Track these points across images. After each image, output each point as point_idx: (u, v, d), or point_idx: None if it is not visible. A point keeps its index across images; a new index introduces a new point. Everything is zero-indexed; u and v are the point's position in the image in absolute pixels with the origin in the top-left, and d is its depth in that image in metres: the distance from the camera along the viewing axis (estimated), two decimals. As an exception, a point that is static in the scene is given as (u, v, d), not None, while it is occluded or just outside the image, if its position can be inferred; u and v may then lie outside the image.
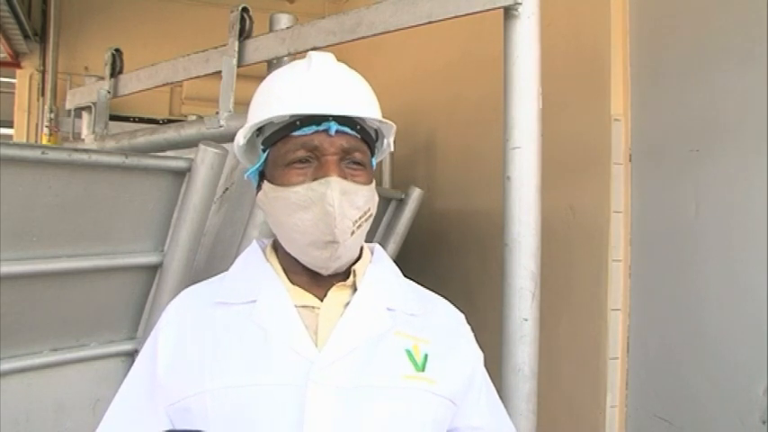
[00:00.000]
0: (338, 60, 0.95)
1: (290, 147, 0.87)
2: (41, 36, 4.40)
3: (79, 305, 1.56)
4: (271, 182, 0.89)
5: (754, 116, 1.65)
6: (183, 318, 0.92)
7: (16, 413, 1.53)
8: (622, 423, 2.04)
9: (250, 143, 0.94)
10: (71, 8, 4.46)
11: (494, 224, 1.60)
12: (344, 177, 0.85)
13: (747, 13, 1.69)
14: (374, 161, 0.95)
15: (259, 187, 0.93)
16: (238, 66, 1.87)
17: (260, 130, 0.91)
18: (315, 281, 0.90)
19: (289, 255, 0.91)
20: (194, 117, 3.39)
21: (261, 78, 1.92)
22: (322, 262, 0.87)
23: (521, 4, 1.38)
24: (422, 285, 1.03)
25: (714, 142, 1.78)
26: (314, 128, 0.85)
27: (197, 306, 0.92)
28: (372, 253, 0.99)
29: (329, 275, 0.90)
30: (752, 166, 1.65)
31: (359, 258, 0.94)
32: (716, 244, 1.76)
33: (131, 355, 1.71)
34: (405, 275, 1.02)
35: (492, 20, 1.51)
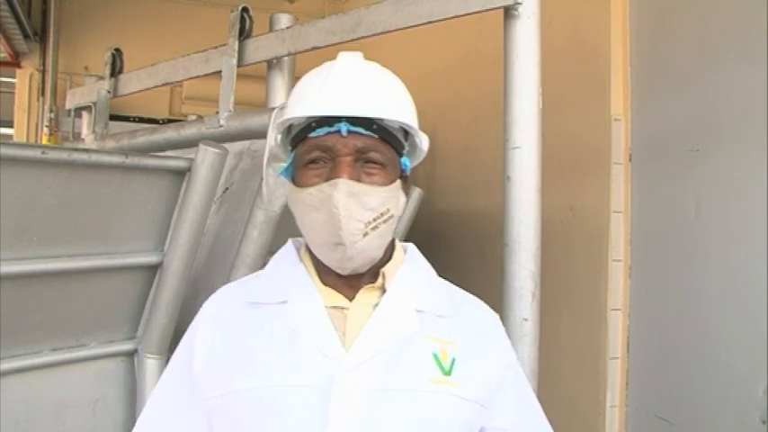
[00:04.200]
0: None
1: (306, 148, 0.88)
2: (41, 36, 4.40)
3: (79, 305, 1.56)
4: (293, 182, 0.91)
5: (754, 116, 1.65)
6: (218, 316, 0.94)
7: (16, 413, 1.53)
8: (622, 423, 2.04)
9: (284, 143, 0.96)
10: (71, 8, 4.46)
11: (494, 224, 1.60)
12: (358, 178, 0.85)
13: (747, 13, 1.69)
14: (406, 161, 0.94)
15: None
16: (238, 66, 1.87)
17: (290, 130, 0.93)
18: (345, 282, 0.91)
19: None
20: (194, 117, 3.39)
21: (261, 78, 1.93)
22: (335, 263, 0.88)
23: (521, 3, 1.38)
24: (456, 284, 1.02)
25: (714, 142, 1.78)
26: (326, 129, 0.86)
27: (231, 305, 0.94)
28: (405, 252, 0.99)
29: (359, 277, 0.90)
30: (752, 165, 1.65)
31: (389, 259, 0.94)
32: (716, 244, 1.76)
33: (131, 355, 1.71)
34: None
35: (492, 20, 1.51)
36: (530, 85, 1.40)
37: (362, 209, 0.85)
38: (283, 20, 1.83)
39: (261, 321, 0.89)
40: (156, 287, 1.64)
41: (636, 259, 2.04)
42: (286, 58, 1.81)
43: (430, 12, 1.47)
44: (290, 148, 0.93)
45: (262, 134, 1.52)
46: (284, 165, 0.94)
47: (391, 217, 0.89)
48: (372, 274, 0.92)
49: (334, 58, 0.94)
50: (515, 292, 1.41)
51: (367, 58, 0.95)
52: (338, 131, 0.85)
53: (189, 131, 1.98)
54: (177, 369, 0.94)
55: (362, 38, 1.61)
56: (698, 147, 1.83)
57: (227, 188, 1.74)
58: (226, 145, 1.57)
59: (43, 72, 4.40)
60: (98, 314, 1.62)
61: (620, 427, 2.04)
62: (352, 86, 0.89)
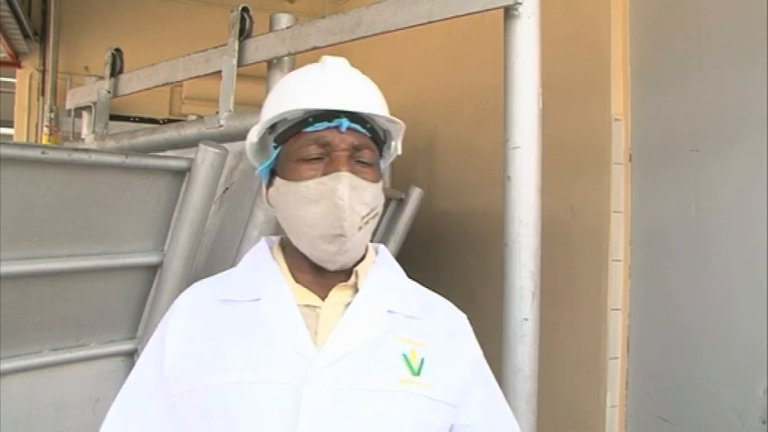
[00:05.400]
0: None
1: (302, 142, 0.89)
2: (41, 36, 4.40)
3: (79, 305, 1.56)
4: (282, 177, 0.91)
5: (754, 116, 1.65)
6: (190, 312, 0.94)
7: (16, 413, 1.53)
8: (622, 423, 2.04)
9: (261, 142, 0.96)
10: (71, 8, 4.46)
11: (494, 224, 1.60)
12: (354, 173, 0.87)
13: (747, 13, 1.69)
14: (382, 164, 0.97)
15: (269, 184, 0.95)
16: (238, 66, 1.87)
17: (272, 128, 0.94)
18: (318, 280, 0.92)
19: (295, 253, 0.93)
20: (194, 117, 3.39)
21: (261, 78, 1.93)
22: (329, 256, 0.89)
23: (521, 3, 1.38)
24: (424, 286, 1.03)
25: (714, 142, 1.78)
26: (326, 124, 0.87)
27: (204, 302, 0.94)
28: (377, 253, 1.00)
29: (332, 275, 0.91)
30: (752, 165, 1.65)
31: (362, 259, 0.95)
32: (716, 244, 1.76)
33: (131, 355, 1.71)
34: (408, 275, 1.02)
35: (492, 20, 1.51)
36: (530, 86, 1.40)
37: (360, 203, 0.87)
38: (283, 20, 1.83)
39: (233, 318, 0.90)
40: (156, 287, 1.64)
41: (636, 259, 2.04)
42: (286, 58, 1.81)
43: (430, 12, 1.47)
44: (274, 144, 0.93)
45: (262, 134, 1.51)
46: (266, 163, 0.94)
47: (377, 214, 0.92)
48: (346, 272, 0.93)
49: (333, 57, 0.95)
50: (515, 292, 1.41)
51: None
52: (337, 127, 0.87)
53: (189, 131, 1.98)
54: (147, 365, 0.94)
55: (362, 38, 1.61)
56: (698, 147, 1.83)
57: (227, 188, 1.73)
58: (226, 145, 1.57)
59: (43, 72, 4.40)
60: (98, 314, 1.62)
61: (620, 427, 2.04)
62: (349, 85, 0.92)
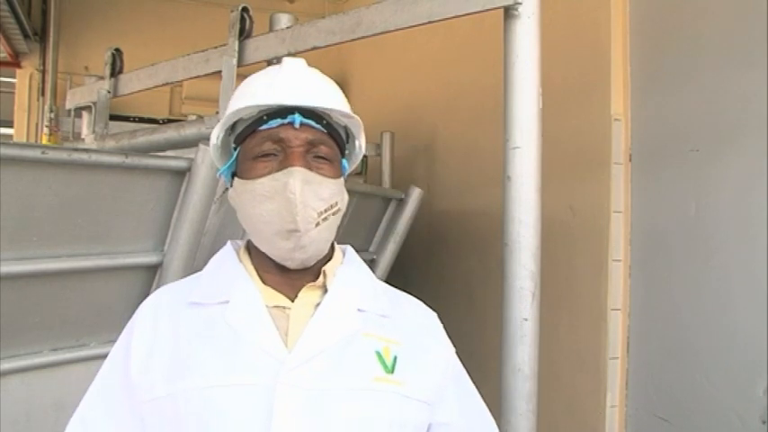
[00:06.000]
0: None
1: (257, 140, 0.89)
2: (41, 36, 4.40)
3: (79, 305, 1.56)
4: (240, 177, 0.91)
5: (754, 116, 1.65)
6: (156, 316, 0.92)
7: (16, 413, 1.53)
8: (622, 423, 2.04)
9: (224, 145, 0.96)
10: (71, 8, 4.46)
11: (494, 224, 1.60)
12: (309, 169, 0.87)
13: (747, 13, 1.69)
14: (346, 163, 0.96)
15: (231, 185, 0.95)
16: (238, 66, 1.87)
17: (233, 129, 0.94)
18: (286, 281, 0.91)
19: (261, 255, 0.92)
20: (194, 117, 3.39)
21: (261, 78, 1.92)
22: (287, 253, 0.88)
23: (521, 3, 1.38)
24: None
25: (714, 142, 1.78)
26: (279, 121, 0.88)
27: (171, 305, 0.93)
28: (344, 254, 0.99)
29: (300, 276, 0.91)
30: (752, 165, 1.65)
31: (330, 259, 0.95)
32: (716, 244, 1.76)
33: (131, 355, 1.71)
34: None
35: (492, 20, 1.51)
36: (530, 86, 1.40)
37: (316, 198, 0.87)
38: (283, 20, 1.83)
39: (201, 321, 0.88)
40: (155, 287, 1.64)
41: (636, 259, 2.04)
42: (286, 58, 1.81)
43: (430, 12, 1.47)
44: (233, 145, 0.94)
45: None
46: (226, 164, 0.94)
47: (338, 210, 0.91)
48: (314, 273, 0.92)
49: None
50: (515, 292, 1.41)
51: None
52: (291, 123, 0.87)
53: (189, 131, 1.98)
54: (112, 370, 0.92)
55: (362, 37, 1.61)
56: (698, 147, 1.83)
57: (227, 188, 1.73)
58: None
59: (43, 72, 4.40)
60: (98, 314, 1.62)
61: (620, 427, 2.04)
62: (304, 82, 0.92)
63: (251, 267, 0.93)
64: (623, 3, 2.09)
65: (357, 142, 0.98)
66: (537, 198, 1.42)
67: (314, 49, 1.69)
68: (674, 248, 1.90)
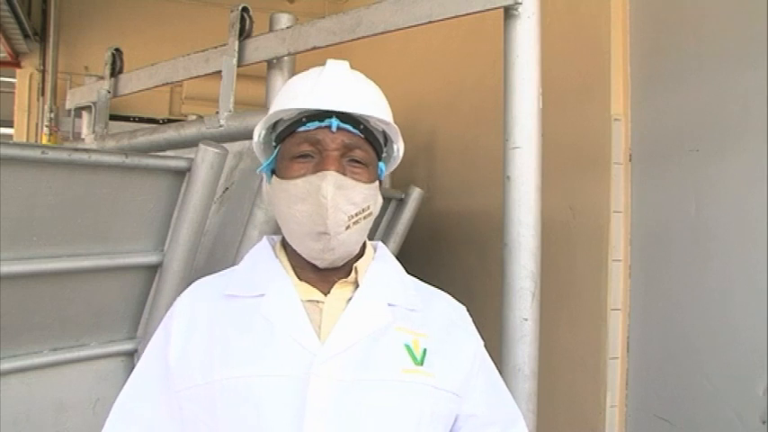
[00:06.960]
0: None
1: (295, 141, 0.92)
2: (41, 36, 4.41)
3: (79, 305, 1.56)
4: (278, 175, 0.94)
5: (754, 116, 1.65)
6: (194, 308, 0.95)
7: (16, 413, 1.53)
8: (622, 423, 2.04)
9: (266, 141, 0.99)
10: (71, 8, 4.47)
11: (494, 224, 1.60)
12: (344, 173, 0.89)
13: (747, 13, 1.69)
14: (383, 166, 0.99)
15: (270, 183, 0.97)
16: (238, 65, 1.87)
17: (275, 128, 0.97)
18: (321, 277, 0.94)
19: (296, 251, 0.95)
20: (194, 117, 3.39)
21: (261, 78, 1.93)
22: (316, 253, 0.91)
23: (521, 3, 1.38)
24: (423, 281, 1.05)
25: (714, 142, 1.78)
26: (317, 123, 0.90)
27: (208, 298, 0.96)
28: (375, 250, 1.02)
29: (332, 273, 0.94)
30: (752, 165, 1.65)
31: (362, 256, 0.98)
32: (716, 244, 1.76)
33: (131, 356, 1.70)
34: (407, 272, 1.04)
35: (492, 20, 1.51)
36: (530, 86, 1.40)
37: (347, 202, 0.89)
38: (283, 20, 1.83)
39: (237, 313, 0.91)
40: (156, 287, 1.64)
41: (636, 259, 2.04)
42: (286, 58, 1.81)
43: (430, 12, 1.47)
44: (274, 144, 0.97)
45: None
46: (267, 161, 0.97)
47: (370, 214, 0.93)
48: (346, 269, 0.95)
49: (334, 57, 0.97)
50: (515, 292, 1.41)
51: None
52: (328, 126, 0.89)
53: (189, 131, 1.98)
54: (152, 360, 0.96)
55: (362, 37, 1.61)
56: (698, 147, 1.83)
57: (227, 188, 1.73)
58: (226, 145, 1.57)
59: (43, 72, 4.40)
60: (98, 314, 1.62)
61: (620, 427, 2.04)
62: (344, 86, 0.94)
63: (287, 263, 0.96)
64: (623, 3, 2.09)
65: (395, 146, 1.01)
66: (537, 198, 1.42)
67: (314, 48, 1.69)
68: (674, 248, 1.90)
